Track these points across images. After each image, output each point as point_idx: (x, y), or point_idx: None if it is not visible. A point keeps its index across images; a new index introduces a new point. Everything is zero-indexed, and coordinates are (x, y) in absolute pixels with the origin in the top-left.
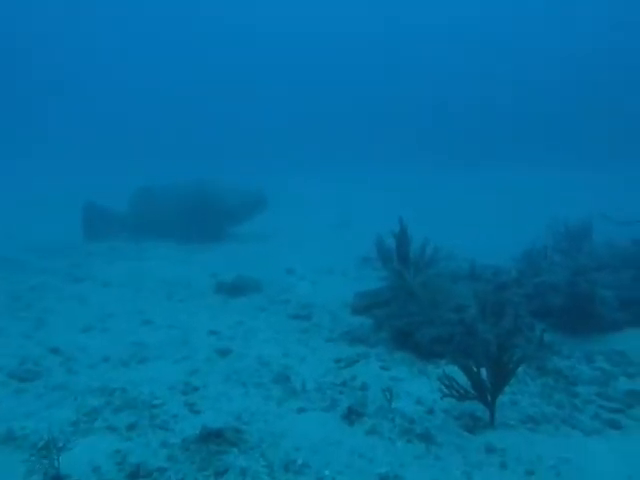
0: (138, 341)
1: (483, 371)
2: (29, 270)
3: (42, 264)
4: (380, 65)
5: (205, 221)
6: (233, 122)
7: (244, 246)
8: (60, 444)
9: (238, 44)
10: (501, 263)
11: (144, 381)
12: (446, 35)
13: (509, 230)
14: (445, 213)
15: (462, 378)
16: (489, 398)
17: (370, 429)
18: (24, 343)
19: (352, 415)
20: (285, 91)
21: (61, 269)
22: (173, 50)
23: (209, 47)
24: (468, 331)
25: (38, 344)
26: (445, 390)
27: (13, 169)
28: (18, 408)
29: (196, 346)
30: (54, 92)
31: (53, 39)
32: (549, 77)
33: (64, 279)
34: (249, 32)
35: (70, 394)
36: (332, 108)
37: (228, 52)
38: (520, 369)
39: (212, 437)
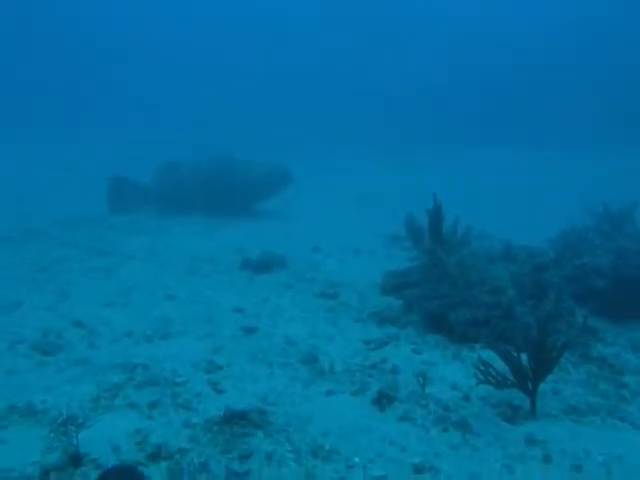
0: (161, 316)
1: (523, 357)
2: (53, 242)
3: (66, 236)
4: (392, 48)
5: (230, 195)
6: (263, 106)
7: (269, 223)
8: (80, 420)
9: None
10: (535, 244)
11: (167, 358)
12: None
13: (540, 211)
14: (473, 194)
15: (499, 364)
16: (530, 386)
17: (402, 415)
18: (47, 315)
19: (383, 400)
20: (304, 75)
21: (85, 242)
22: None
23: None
24: (505, 314)
25: (61, 317)
26: (481, 376)
27: (58, 137)
28: (39, 381)
29: (220, 323)
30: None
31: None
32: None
33: (88, 252)
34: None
35: (91, 369)
36: (355, 90)
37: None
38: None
39: (236, 419)
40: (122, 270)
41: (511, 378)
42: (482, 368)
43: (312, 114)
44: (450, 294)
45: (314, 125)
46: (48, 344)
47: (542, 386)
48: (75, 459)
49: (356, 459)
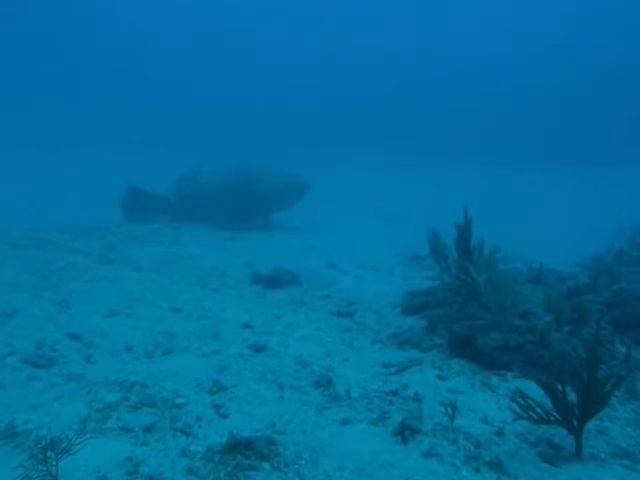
0: (165, 330)
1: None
2: (62, 250)
3: (76, 245)
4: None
5: (248, 204)
6: (280, 114)
7: (284, 236)
8: (63, 445)
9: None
10: (562, 268)
11: (168, 376)
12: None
13: (563, 233)
14: (495, 214)
15: (535, 395)
16: (575, 424)
17: (428, 450)
18: (44, 325)
19: (406, 431)
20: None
21: (94, 250)
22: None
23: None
24: (540, 340)
25: (58, 327)
26: (519, 410)
27: (71, 143)
28: (26, 398)
29: (228, 339)
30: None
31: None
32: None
33: (95, 260)
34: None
35: (84, 386)
36: (377, 102)
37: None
38: None
39: (240, 448)
40: (129, 281)
41: (554, 414)
42: (521, 401)
43: (325, 124)
44: (479, 315)
45: (328, 132)
46: (41, 357)
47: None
48: None
49: None
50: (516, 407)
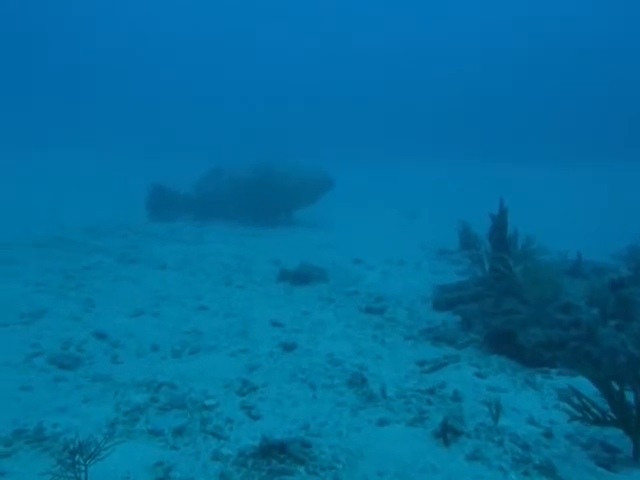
0: (192, 329)
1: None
2: (85, 250)
3: (99, 244)
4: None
5: (272, 200)
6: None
7: (306, 232)
8: (92, 450)
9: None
10: (599, 259)
11: (196, 376)
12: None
13: (584, 226)
14: (512, 208)
15: (583, 393)
16: (633, 425)
17: (472, 453)
18: (70, 325)
19: (448, 432)
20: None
21: (117, 250)
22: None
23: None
24: (587, 335)
25: (85, 327)
26: (573, 410)
27: (93, 143)
28: (53, 400)
29: (256, 338)
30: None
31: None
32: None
33: (119, 260)
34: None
35: (112, 387)
36: (394, 102)
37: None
38: None
39: (274, 451)
40: (153, 279)
41: (610, 415)
42: (576, 401)
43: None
44: (517, 310)
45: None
46: (67, 357)
47: None
48: None
49: None
50: (568, 406)
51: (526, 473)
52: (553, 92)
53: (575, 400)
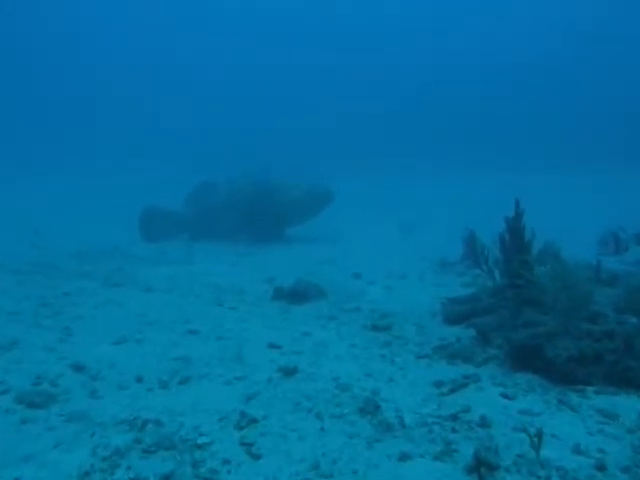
0: (181, 356)
1: None
2: (66, 275)
3: (83, 269)
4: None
5: (269, 216)
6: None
7: (303, 248)
8: None
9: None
10: (612, 266)
11: (186, 409)
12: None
13: (594, 232)
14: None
15: (629, 414)
16: None
17: None
18: (44, 357)
19: (482, 467)
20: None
21: (102, 274)
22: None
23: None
24: (626, 348)
25: (60, 359)
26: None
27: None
28: (17, 447)
29: (253, 363)
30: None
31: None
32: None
33: (102, 284)
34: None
35: (89, 427)
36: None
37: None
38: None
39: None
40: (138, 303)
41: None
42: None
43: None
44: (540, 321)
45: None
46: (39, 394)
47: None
48: None
49: None
50: (615, 431)
51: None
52: (553, 98)
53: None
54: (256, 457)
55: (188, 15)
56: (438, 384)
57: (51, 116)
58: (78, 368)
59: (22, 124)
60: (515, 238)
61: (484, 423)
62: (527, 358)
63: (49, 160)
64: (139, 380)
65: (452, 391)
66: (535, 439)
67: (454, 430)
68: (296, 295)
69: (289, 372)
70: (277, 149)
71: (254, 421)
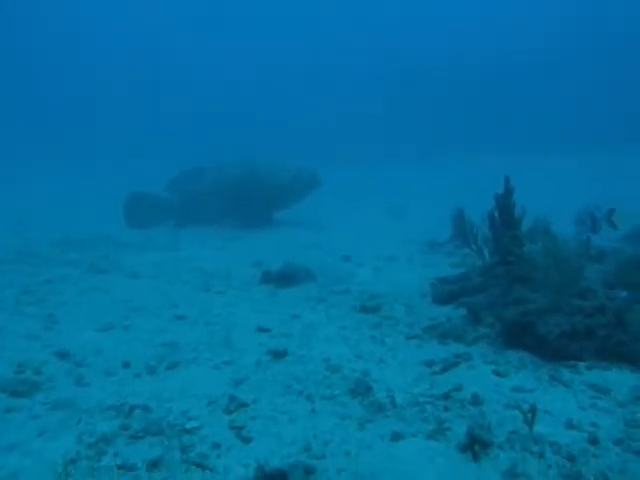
0: (169, 341)
1: None
2: (49, 263)
3: (67, 256)
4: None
5: (255, 200)
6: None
7: (291, 233)
8: None
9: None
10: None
11: (174, 395)
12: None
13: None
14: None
15: (620, 388)
16: None
17: (509, 469)
18: (27, 345)
19: (475, 445)
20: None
21: (86, 261)
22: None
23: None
24: (616, 322)
25: (44, 346)
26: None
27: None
28: (0, 437)
29: (242, 346)
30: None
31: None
32: None
33: (87, 272)
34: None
35: (75, 414)
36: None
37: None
38: None
39: None
40: (124, 289)
41: None
42: None
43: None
44: (530, 299)
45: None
46: (22, 383)
47: None
48: None
49: None
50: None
51: None
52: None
53: None
54: (246, 440)
55: (188, 15)
56: (429, 364)
57: (50, 115)
58: (63, 355)
59: (21, 124)
60: (505, 215)
61: (476, 401)
62: (518, 335)
63: (47, 160)
64: (126, 366)
65: (444, 370)
66: (529, 415)
67: (446, 409)
68: (284, 278)
69: (279, 355)
70: (268, 139)
71: (243, 405)
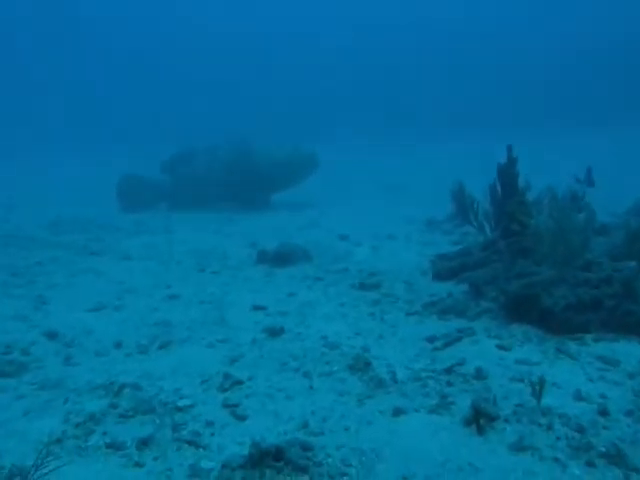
0: (161, 320)
1: None
2: (40, 245)
3: (58, 239)
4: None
5: (252, 182)
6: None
7: (287, 214)
8: (31, 476)
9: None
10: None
11: (166, 373)
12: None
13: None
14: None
15: (629, 359)
16: None
17: (517, 442)
18: (15, 326)
19: (481, 419)
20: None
21: (78, 243)
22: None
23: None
24: (624, 292)
25: (32, 327)
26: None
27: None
28: None
29: (237, 325)
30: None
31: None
32: None
33: (78, 253)
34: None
35: (62, 394)
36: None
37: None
38: None
39: (268, 459)
40: (116, 271)
41: None
42: None
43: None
44: (535, 271)
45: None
46: (9, 363)
47: None
48: None
49: None
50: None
51: (590, 464)
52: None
53: None
54: (241, 418)
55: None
56: (431, 339)
57: (50, 113)
58: (52, 336)
59: (22, 124)
60: (507, 187)
61: (480, 375)
62: (523, 308)
63: (48, 153)
64: (117, 346)
65: (446, 345)
66: (537, 387)
67: (449, 383)
68: (281, 258)
69: (275, 333)
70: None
71: (238, 382)
